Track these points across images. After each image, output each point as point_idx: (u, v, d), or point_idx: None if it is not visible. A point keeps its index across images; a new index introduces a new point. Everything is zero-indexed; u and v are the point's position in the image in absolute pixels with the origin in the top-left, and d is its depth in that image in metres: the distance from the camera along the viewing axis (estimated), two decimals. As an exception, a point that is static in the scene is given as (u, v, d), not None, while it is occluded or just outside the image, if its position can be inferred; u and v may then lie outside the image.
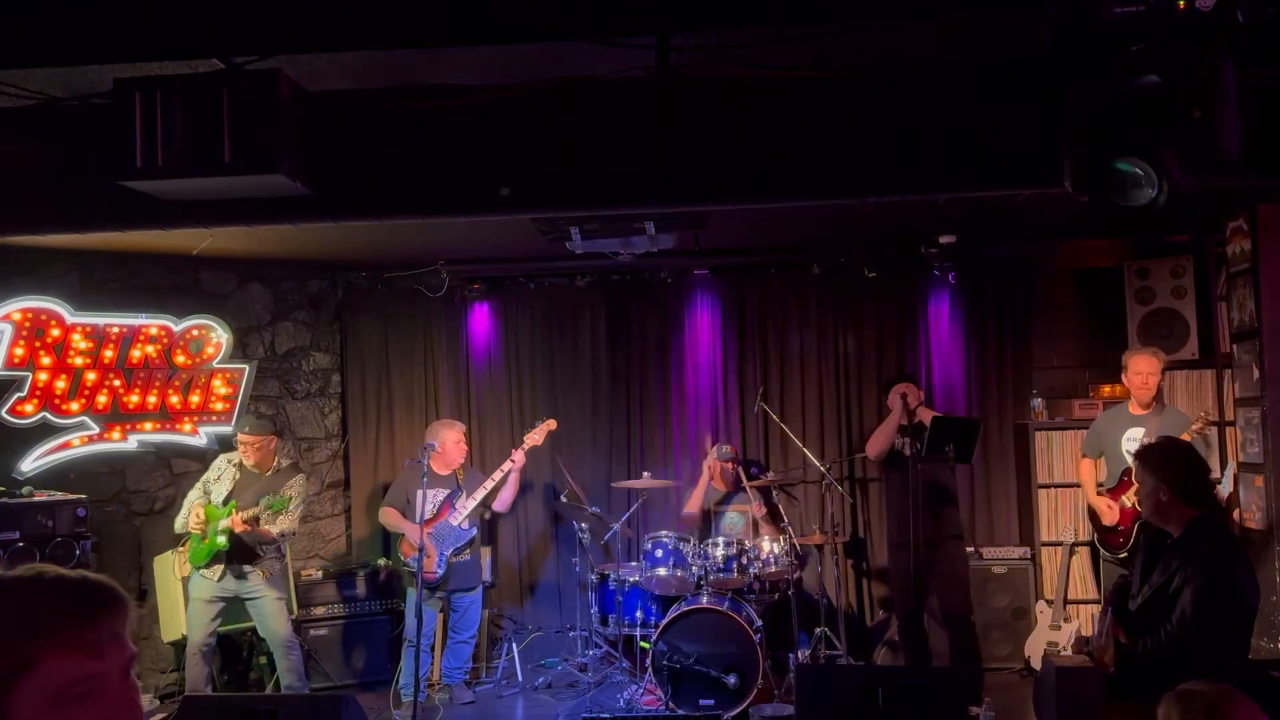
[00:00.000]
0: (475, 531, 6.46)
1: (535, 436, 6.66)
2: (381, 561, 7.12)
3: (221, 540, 5.72)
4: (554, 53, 3.69)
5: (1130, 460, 5.86)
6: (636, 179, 3.95)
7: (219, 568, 5.78)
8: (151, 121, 3.49)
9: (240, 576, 5.83)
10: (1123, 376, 6.10)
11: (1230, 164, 2.86)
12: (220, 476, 6.00)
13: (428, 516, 6.18)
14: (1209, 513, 3.57)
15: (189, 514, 5.88)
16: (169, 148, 3.49)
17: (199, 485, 6.02)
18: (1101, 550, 6.10)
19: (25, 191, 4.06)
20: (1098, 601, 6.52)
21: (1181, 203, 2.98)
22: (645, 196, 4.13)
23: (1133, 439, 5.92)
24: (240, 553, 5.80)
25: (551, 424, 6.75)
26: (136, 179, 3.58)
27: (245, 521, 5.72)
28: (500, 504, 6.66)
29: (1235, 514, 6.13)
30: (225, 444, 6.81)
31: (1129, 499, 5.81)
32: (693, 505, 6.77)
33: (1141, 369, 5.93)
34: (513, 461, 6.53)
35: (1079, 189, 3.16)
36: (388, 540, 7.17)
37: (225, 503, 5.84)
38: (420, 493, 6.10)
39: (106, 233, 4.94)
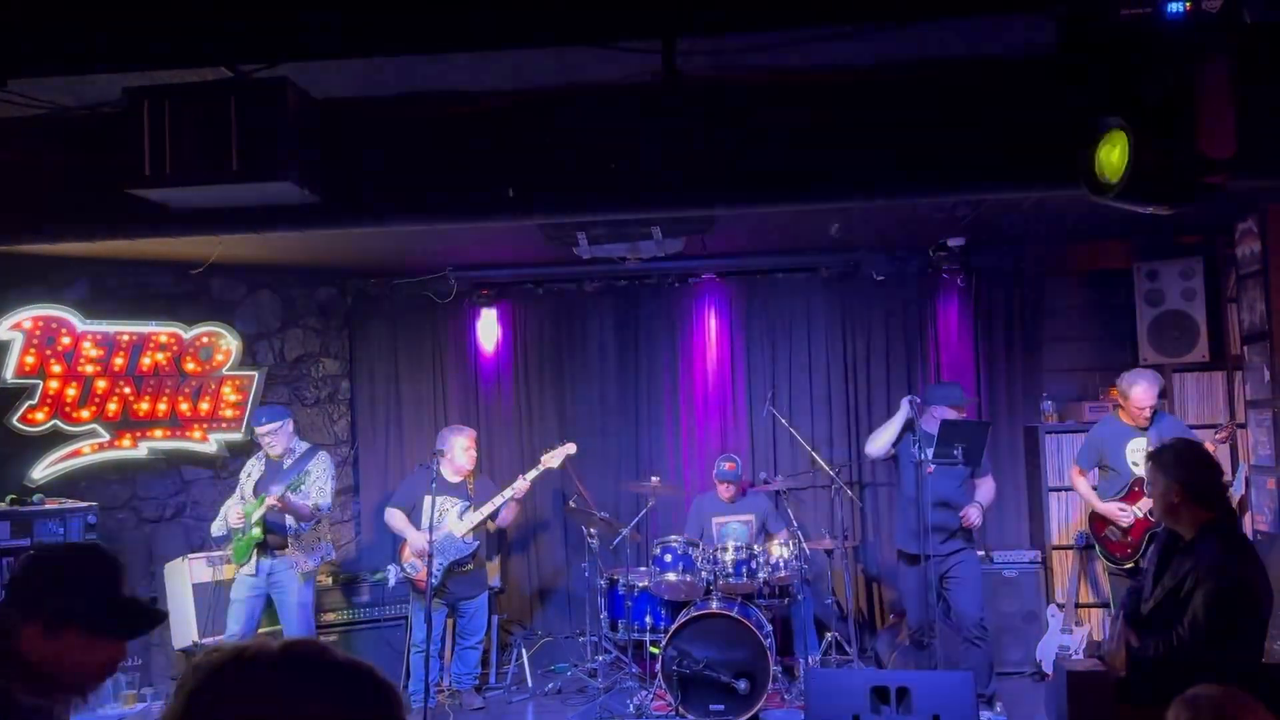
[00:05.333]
0: (477, 544, 6.39)
1: (551, 459, 6.41)
2: (391, 567, 7.11)
3: (256, 532, 5.87)
4: (560, 58, 3.70)
5: (1138, 472, 5.80)
6: (643, 183, 3.95)
7: (255, 560, 5.91)
8: (160, 130, 3.51)
9: (273, 570, 5.92)
10: (1121, 401, 5.85)
11: (1224, 165, 2.85)
12: (249, 475, 6.17)
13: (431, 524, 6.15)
14: (1221, 515, 3.54)
15: (224, 516, 6.06)
16: (178, 156, 3.51)
17: (236, 492, 6.18)
18: (1105, 561, 6.02)
19: (35, 200, 4.09)
20: (1107, 606, 6.48)
21: (1153, 186, 2.98)
22: (652, 201, 4.13)
23: (1138, 449, 5.82)
24: (274, 539, 5.93)
25: (570, 448, 6.47)
26: (145, 187, 3.60)
27: (278, 499, 5.80)
28: (500, 521, 6.58)
29: (1247, 517, 6.09)
30: (235, 450, 6.84)
31: (1140, 509, 5.73)
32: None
33: (1143, 403, 5.67)
34: (514, 490, 6.34)
35: (1089, 186, 3.16)
36: (397, 546, 7.17)
37: (256, 496, 5.95)
38: (429, 499, 6.10)
39: (116, 241, 4.97)
